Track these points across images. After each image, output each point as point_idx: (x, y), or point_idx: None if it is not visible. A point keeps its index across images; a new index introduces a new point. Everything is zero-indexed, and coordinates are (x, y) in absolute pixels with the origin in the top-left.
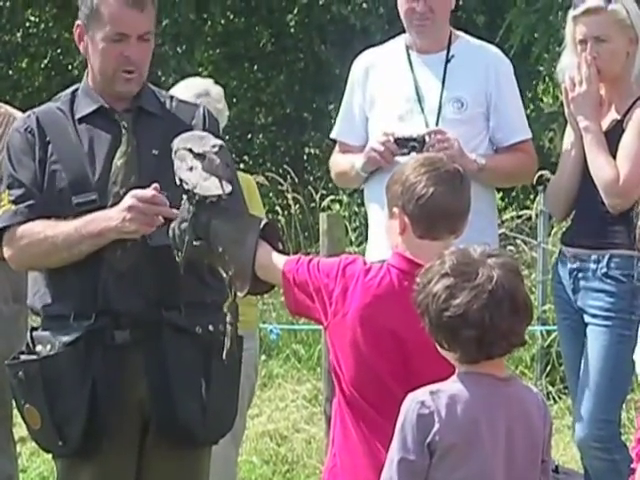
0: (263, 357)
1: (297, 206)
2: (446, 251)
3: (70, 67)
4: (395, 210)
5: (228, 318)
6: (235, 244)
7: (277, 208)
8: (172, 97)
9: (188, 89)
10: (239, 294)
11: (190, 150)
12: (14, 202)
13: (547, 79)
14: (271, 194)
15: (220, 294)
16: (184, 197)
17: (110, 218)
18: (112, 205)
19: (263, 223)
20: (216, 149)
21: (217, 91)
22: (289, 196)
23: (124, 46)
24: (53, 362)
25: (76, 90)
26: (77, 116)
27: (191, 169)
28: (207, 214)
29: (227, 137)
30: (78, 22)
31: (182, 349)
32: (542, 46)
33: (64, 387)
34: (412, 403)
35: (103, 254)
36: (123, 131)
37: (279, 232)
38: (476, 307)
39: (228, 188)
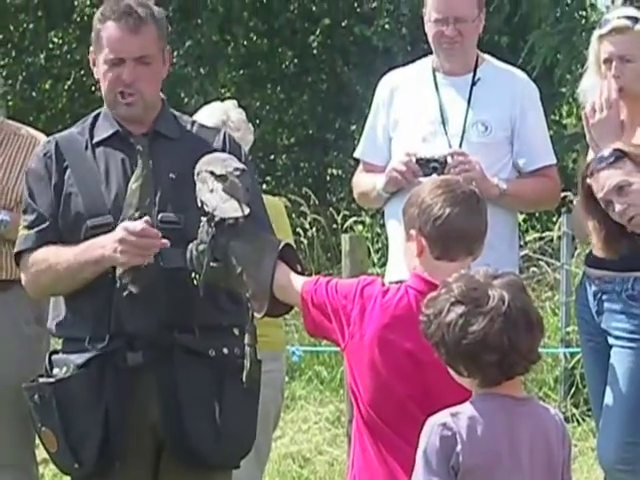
0: (286, 379)
1: (319, 227)
2: (449, 279)
3: (93, 89)
4: (412, 232)
5: (247, 340)
6: (253, 265)
7: (299, 229)
8: (194, 122)
9: (207, 119)
10: (257, 315)
11: (211, 172)
12: (27, 227)
13: (570, 100)
14: (293, 215)
15: (235, 317)
16: (203, 219)
17: (104, 247)
18: None
19: (282, 245)
20: (238, 172)
21: (236, 118)
22: (311, 217)
23: (121, 69)
24: (66, 385)
25: (98, 115)
26: (95, 140)
27: (212, 191)
28: (226, 236)
29: (250, 158)
30: (91, 49)
31: (195, 372)
32: (565, 67)
33: (78, 409)
34: (434, 426)
35: (117, 276)
36: (138, 155)
37: (297, 254)
38: (494, 331)
39: (246, 210)
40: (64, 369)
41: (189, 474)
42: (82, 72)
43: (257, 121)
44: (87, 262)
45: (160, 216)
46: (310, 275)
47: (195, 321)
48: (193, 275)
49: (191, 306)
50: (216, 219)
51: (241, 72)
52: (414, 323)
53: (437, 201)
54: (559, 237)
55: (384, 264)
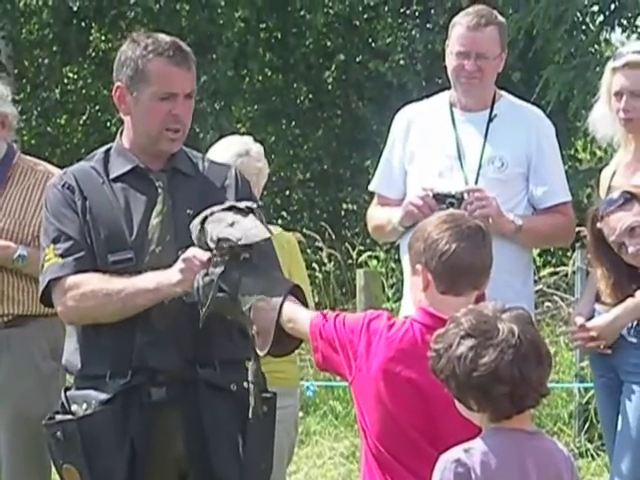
0: (300, 414)
1: (334, 262)
2: (457, 314)
3: (109, 124)
4: (418, 267)
5: (250, 376)
6: (261, 302)
7: (314, 264)
8: (204, 158)
9: (228, 149)
10: (260, 353)
11: (231, 207)
12: (61, 255)
13: (585, 135)
14: (308, 250)
15: (249, 352)
16: (214, 258)
17: (165, 273)
18: (149, 263)
19: (291, 286)
20: (256, 205)
21: (257, 150)
22: (326, 252)
23: (172, 104)
24: (91, 421)
25: (109, 150)
26: (112, 175)
27: (232, 224)
28: (238, 270)
29: (265, 193)
30: (118, 84)
31: (218, 406)
32: (579, 102)
33: (102, 446)
34: (447, 463)
35: (139, 313)
36: (159, 190)
37: (305, 296)
38: (505, 363)
39: (274, 233)
40: (84, 405)
41: None
42: (97, 107)
43: (272, 156)
44: (145, 288)
45: (180, 253)
46: (325, 309)
47: (215, 356)
48: (199, 306)
49: (211, 341)
50: (236, 247)
51: (256, 107)
52: (419, 356)
53: (443, 236)
54: (573, 272)
55: (399, 299)
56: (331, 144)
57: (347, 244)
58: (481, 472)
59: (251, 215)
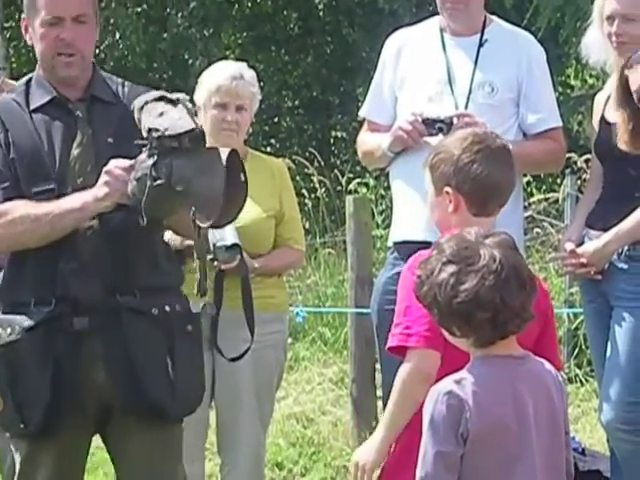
0: (290, 340)
1: (324, 189)
2: (441, 240)
3: (97, 51)
4: (448, 189)
5: (195, 254)
6: (201, 175)
7: (304, 191)
8: (124, 83)
9: (223, 71)
10: (204, 225)
11: (162, 97)
12: None
13: (576, 62)
14: (298, 177)
15: (173, 278)
16: (144, 150)
17: (90, 191)
18: (71, 194)
19: (228, 151)
20: (188, 97)
21: (251, 75)
22: (315, 179)
23: (60, 29)
24: (15, 347)
25: (30, 80)
26: (32, 107)
27: (162, 114)
28: (169, 158)
29: (254, 120)
30: (23, 16)
31: (142, 331)
32: (570, 29)
33: (26, 371)
34: (438, 395)
35: (63, 243)
36: (78, 120)
37: (242, 162)
38: (485, 288)
39: (200, 124)
40: (8, 330)
41: (146, 429)
42: None
43: (261, 83)
44: (72, 208)
45: None
46: (314, 237)
47: (136, 285)
48: (137, 206)
49: (132, 270)
50: (163, 137)
51: (245, 34)
52: None
53: (475, 158)
54: (563, 198)
55: (388, 226)
56: (321, 71)
57: (336, 171)
58: (474, 402)
59: (180, 106)
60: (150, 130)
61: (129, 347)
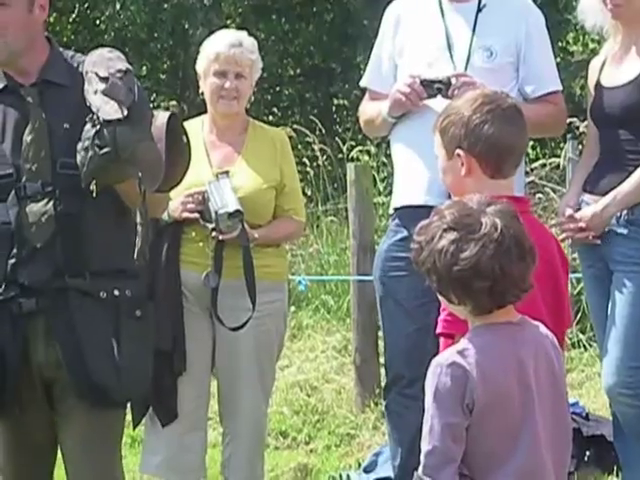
0: (292, 308)
1: (325, 157)
2: (442, 206)
3: (98, 22)
4: (459, 152)
5: (138, 219)
6: (142, 142)
7: (305, 159)
8: (84, 61)
9: (222, 40)
10: (149, 189)
11: (96, 74)
12: None
13: (576, 27)
14: (299, 146)
15: (124, 262)
16: (88, 121)
17: None
18: (26, 181)
19: (168, 115)
20: (120, 74)
21: (251, 42)
22: (317, 147)
23: None
24: None
25: None
26: None
27: (95, 92)
28: (111, 127)
29: (256, 89)
30: None
31: (89, 312)
32: None
33: None
34: (442, 367)
35: (18, 228)
36: (30, 107)
37: (183, 125)
38: (485, 257)
39: (125, 112)
40: None
41: (87, 410)
42: (86, 5)
43: (262, 52)
44: None
45: (59, 162)
46: (316, 205)
47: (86, 267)
48: (83, 176)
49: (83, 253)
50: (100, 119)
51: (246, 3)
52: None
53: (486, 119)
54: (565, 164)
55: (389, 193)
56: (322, 39)
57: (338, 139)
58: (477, 371)
59: (111, 83)
60: (90, 104)
61: (74, 328)
